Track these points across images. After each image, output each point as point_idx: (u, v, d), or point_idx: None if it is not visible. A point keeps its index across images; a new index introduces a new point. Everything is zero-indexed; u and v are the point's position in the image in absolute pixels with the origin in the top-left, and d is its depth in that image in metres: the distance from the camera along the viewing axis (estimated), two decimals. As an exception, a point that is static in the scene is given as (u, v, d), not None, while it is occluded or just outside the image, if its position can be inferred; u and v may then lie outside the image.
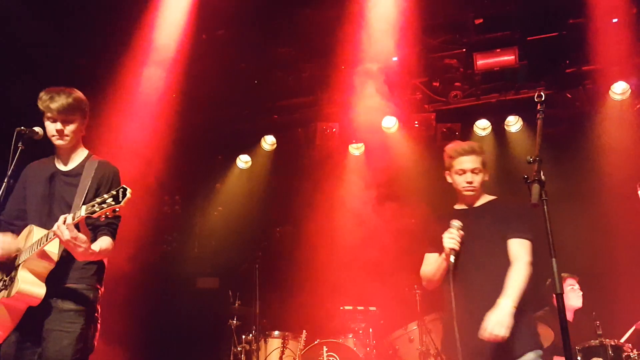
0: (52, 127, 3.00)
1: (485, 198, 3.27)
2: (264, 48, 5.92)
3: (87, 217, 2.72)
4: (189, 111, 6.15)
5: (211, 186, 7.12)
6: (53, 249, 2.86)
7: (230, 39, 5.77)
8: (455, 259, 2.99)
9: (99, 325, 2.99)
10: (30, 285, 2.81)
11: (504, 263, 3.02)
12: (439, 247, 3.13)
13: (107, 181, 3.02)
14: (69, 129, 3.00)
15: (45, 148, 3.13)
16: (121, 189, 2.65)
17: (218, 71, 5.98)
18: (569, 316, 4.85)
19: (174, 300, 6.14)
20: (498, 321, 2.81)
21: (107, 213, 2.65)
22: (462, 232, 3.05)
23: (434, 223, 3.30)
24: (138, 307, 5.78)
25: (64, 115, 2.97)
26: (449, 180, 3.31)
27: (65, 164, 3.10)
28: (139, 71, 5.58)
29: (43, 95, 2.99)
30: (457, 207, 3.32)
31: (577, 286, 4.91)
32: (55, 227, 2.71)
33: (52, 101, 2.95)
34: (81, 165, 3.07)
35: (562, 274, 4.93)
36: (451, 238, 3.03)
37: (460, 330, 2.89)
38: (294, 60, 6.07)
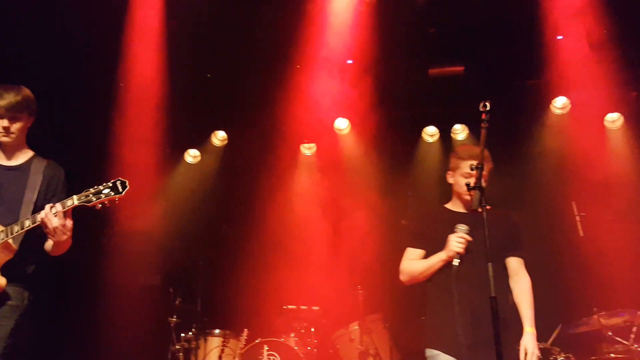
0: None
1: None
2: (218, 41, 5.86)
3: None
4: (138, 102, 6.01)
5: (156, 180, 6.98)
6: (11, 240, 2.87)
7: (183, 31, 5.68)
8: (459, 262, 3.08)
9: (34, 325, 2.97)
10: None
11: (503, 271, 3.26)
12: (425, 244, 3.27)
13: (58, 181, 3.06)
14: (15, 126, 2.99)
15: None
16: (119, 181, 2.80)
17: (168, 64, 5.87)
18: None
19: (114, 296, 5.98)
20: (533, 352, 3.09)
21: (106, 203, 2.78)
22: (471, 238, 3.11)
23: (420, 218, 3.37)
24: (76, 304, 5.62)
25: (12, 113, 2.96)
26: (450, 180, 3.36)
27: (7, 160, 3.07)
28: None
29: None
30: (453, 208, 3.37)
31: None
32: (42, 215, 2.77)
33: (1, 98, 2.93)
34: (28, 162, 3.07)
35: None
36: (459, 242, 3.10)
37: (461, 328, 3.04)
38: (249, 55, 6.02)
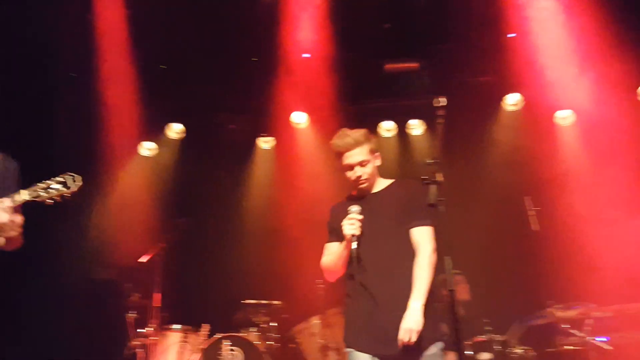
0: None
1: (382, 183, 3.23)
2: (175, 30, 5.77)
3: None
4: (94, 92, 5.87)
5: (112, 172, 6.83)
6: None
7: (138, 19, 5.57)
8: (357, 245, 2.94)
9: None
10: None
11: (407, 247, 3.02)
12: (339, 236, 3.08)
13: (12, 175, 2.98)
14: None
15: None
16: (70, 175, 2.70)
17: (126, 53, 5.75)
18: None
19: (67, 291, 5.84)
20: (411, 328, 2.83)
21: (55, 198, 2.67)
22: (362, 217, 2.99)
23: (331, 213, 3.25)
24: (28, 299, 5.47)
25: None
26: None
27: None
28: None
29: None
30: (355, 194, 3.24)
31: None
32: None
33: None
34: None
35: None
36: (351, 224, 2.96)
37: (368, 320, 2.96)
38: (206, 47, 5.95)
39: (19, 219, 2.75)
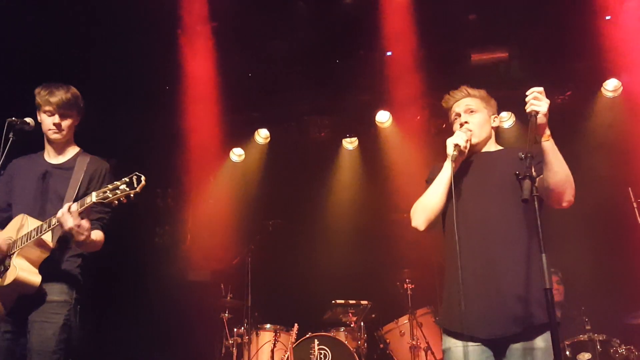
0: (49, 121, 3.06)
1: (497, 147, 2.89)
2: (257, 40, 5.90)
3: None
4: (182, 104, 6.13)
5: (205, 179, 7.11)
6: (49, 238, 2.88)
7: (223, 30, 5.74)
8: (457, 158, 2.63)
9: (83, 321, 2.99)
10: (27, 273, 2.83)
11: (520, 214, 2.59)
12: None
13: (100, 176, 3.07)
14: (66, 123, 3.07)
15: (35, 141, 3.15)
16: (135, 176, 2.70)
17: (210, 63, 5.95)
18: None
19: (165, 293, 6.13)
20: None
21: (122, 199, 2.69)
22: (472, 131, 2.72)
23: (432, 169, 2.92)
24: (128, 301, 5.78)
25: (63, 110, 3.04)
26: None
27: (54, 157, 3.13)
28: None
29: (41, 90, 3.05)
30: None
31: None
32: (59, 214, 2.74)
33: (52, 95, 3.01)
34: (73, 159, 3.11)
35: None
36: (457, 136, 2.68)
37: (466, 290, 2.49)
38: (288, 53, 6.05)
39: (85, 223, 2.76)
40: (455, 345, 2.57)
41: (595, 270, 5.35)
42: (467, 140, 2.70)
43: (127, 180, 2.71)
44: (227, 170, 7.16)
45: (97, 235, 2.96)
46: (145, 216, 6.32)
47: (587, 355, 4.35)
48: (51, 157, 3.13)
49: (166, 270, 6.40)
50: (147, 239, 6.66)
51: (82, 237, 2.77)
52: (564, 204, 2.59)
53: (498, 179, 2.68)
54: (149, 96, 5.88)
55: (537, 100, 2.42)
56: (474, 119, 2.81)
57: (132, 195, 2.69)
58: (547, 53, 5.71)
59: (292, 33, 5.79)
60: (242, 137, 7.05)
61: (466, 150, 2.71)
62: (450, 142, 2.68)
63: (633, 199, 4.41)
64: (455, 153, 2.64)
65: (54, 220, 2.79)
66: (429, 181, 2.83)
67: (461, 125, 2.78)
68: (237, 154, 7.14)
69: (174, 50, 5.62)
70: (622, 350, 4.32)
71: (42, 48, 5.03)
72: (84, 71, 4.93)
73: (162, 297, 6.05)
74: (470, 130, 2.76)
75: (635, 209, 4.35)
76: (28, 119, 3.07)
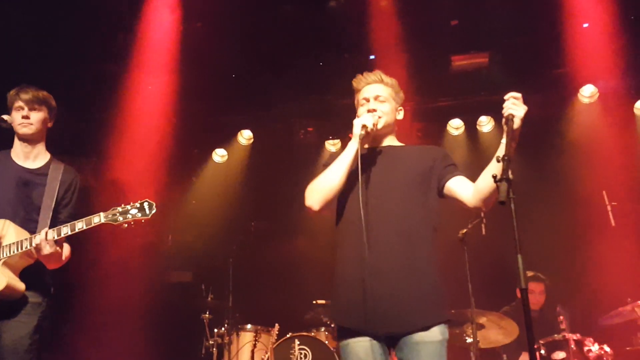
0: (18, 115, 3.04)
1: (399, 143, 2.84)
2: (242, 41, 5.92)
3: (53, 223, 2.89)
4: (164, 105, 6.13)
5: (186, 180, 7.11)
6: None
7: (208, 32, 5.75)
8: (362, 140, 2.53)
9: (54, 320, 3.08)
10: (15, 280, 2.88)
11: (425, 211, 2.58)
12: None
13: (74, 189, 3.11)
14: (35, 116, 3.04)
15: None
16: (146, 202, 2.82)
17: (194, 64, 5.96)
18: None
19: (146, 294, 6.12)
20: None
21: (132, 223, 2.80)
22: (380, 116, 2.66)
23: (332, 155, 2.83)
24: (109, 301, 5.76)
25: (32, 104, 3.03)
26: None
27: (26, 161, 3.10)
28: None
29: (12, 91, 3.07)
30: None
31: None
32: (37, 241, 2.79)
33: (22, 92, 3.03)
34: (46, 165, 3.10)
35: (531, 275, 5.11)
36: (364, 117, 2.60)
37: (363, 285, 2.41)
38: (273, 55, 6.08)
39: (59, 250, 2.86)
40: (354, 341, 2.51)
41: (569, 271, 5.47)
42: (374, 124, 2.62)
43: (138, 205, 2.81)
44: (209, 171, 7.17)
45: (66, 250, 3.03)
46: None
47: (562, 354, 4.42)
48: (21, 159, 3.08)
49: (147, 271, 6.38)
50: (128, 239, 6.63)
51: (53, 261, 2.89)
52: (490, 205, 2.57)
53: (402, 176, 2.63)
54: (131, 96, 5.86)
55: (515, 105, 2.44)
56: (383, 108, 2.73)
57: (143, 221, 2.80)
58: (526, 59, 5.83)
59: (278, 35, 5.82)
60: (225, 138, 7.07)
61: (372, 133, 2.62)
62: (357, 122, 2.59)
63: (607, 202, 4.52)
64: (362, 132, 2.55)
65: (25, 244, 2.83)
66: (325, 165, 2.72)
67: (369, 111, 2.71)
68: (219, 155, 7.15)
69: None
70: (595, 349, 4.40)
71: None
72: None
73: (143, 297, 6.03)
74: (380, 117, 2.69)
75: (609, 212, 4.46)
76: (5, 116, 3.06)
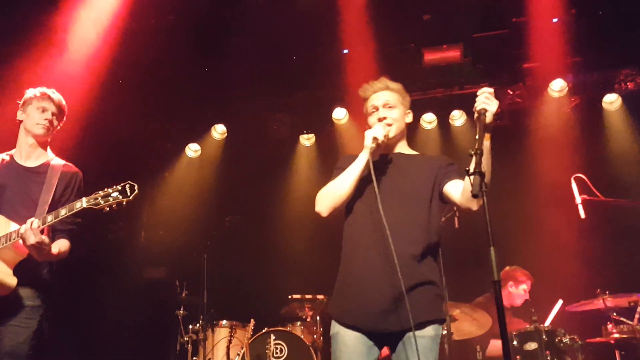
0: (39, 116, 3.07)
1: (410, 150, 2.92)
2: (214, 35, 5.87)
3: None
4: (137, 99, 6.04)
5: (159, 175, 7.03)
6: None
7: (180, 25, 5.68)
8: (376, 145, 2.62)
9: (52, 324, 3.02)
10: (4, 275, 2.83)
11: (429, 219, 2.69)
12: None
13: (75, 186, 3.09)
14: (56, 122, 3.12)
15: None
16: (128, 184, 2.79)
17: (167, 58, 5.88)
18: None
19: (120, 290, 6.05)
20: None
21: (113, 206, 2.76)
22: (390, 128, 2.73)
23: (342, 158, 2.89)
24: (82, 298, 5.68)
25: (58, 110, 3.10)
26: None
27: (27, 160, 3.11)
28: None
29: (37, 90, 3.11)
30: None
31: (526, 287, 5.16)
32: (22, 230, 2.77)
33: (50, 97, 3.08)
34: (46, 164, 3.10)
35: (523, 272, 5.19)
36: (376, 129, 2.66)
37: (365, 284, 2.55)
38: (246, 49, 6.03)
39: (46, 239, 2.81)
40: (345, 331, 2.60)
41: (540, 262, 5.57)
42: (385, 135, 2.70)
43: (120, 188, 2.78)
44: (182, 165, 7.10)
45: (63, 245, 2.99)
46: (98, 211, 6.19)
47: (534, 345, 4.51)
48: (22, 159, 3.11)
49: (120, 267, 6.30)
50: (100, 235, 6.53)
51: (43, 252, 2.81)
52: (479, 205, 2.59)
53: (410, 184, 2.74)
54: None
55: (488, 99, 2.48)
56: (392, 114, 2.81)
57: (124, 203, 2.77)
58: (497, 53, 5.89)
59: (250, 29, 5.79)
60: (199, 132, 7.01)
61: (383, 144, 2.72)
62: (369, 135, 2.67)
63: (577, 195, 4.61)
64: (373, 145, 2.64)
65: (14, 235, 2.82)
66: (337, 168, 2.80)
67: (380, 119, 2.78)
68: (193, 150, 7.09)
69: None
70: (566, 339, 4.49)
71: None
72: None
73: (116, 294, 5.96)
74: (390, 125, 2.78)
75: (579, 205, 4.55)
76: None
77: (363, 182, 2.69)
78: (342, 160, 2.86)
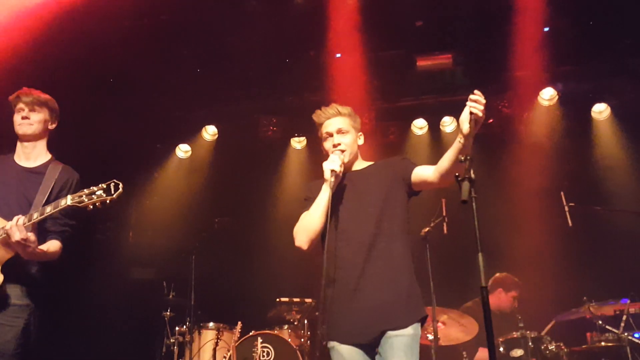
0: (18, 117, 3.09)
1: (364, 164, 3.08)
2: (207, 37, 5.86)
3: (43, 220, 2.85)
4: (128, 97, 6.01)
5: (149, 175, 6.99)
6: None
7: (173, 25, 5.67)
8: (335, 186, 2.78)
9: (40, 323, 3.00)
10: None
11: (394, 226, 2.86)
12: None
13: (70, 187, 3.09)
14: (35, 117, 3.10)
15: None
16: (112, 183, 2.79)
17: (159, 57, 5.86)
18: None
19: (107, 291, 6.00)
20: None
21: (97, 204, 2.76)
22: (344, 156, 2.90)
23: (308, 187, 3.08)
24: (68, 299, 5.63)
25: (31, 106, 3.09)
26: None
27: (27, 161, 3.13)
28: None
29: (14, 94, 3.13)
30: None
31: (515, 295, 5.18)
32: (8, 226, 2.76)
33: (23, 94, 3.10)
34: (44, 165, 3.12)
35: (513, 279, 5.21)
36: (332, 161, 2.83)
37: (338, 300, 2.76)
38: (238, 51, 6.03)
39: (32, 236, 2.80)
40: (339, 346, 2.80)
41: (527, 270, 5.59)
42: (341, 165, 2.86)
43: (104, 186, 2.79)
44: (172, 166, 7.07)
45: (53, 246, 2.98)
46: (85, 210, 6.15)
47: (520, 352, 4.53)
48: (22, 159, 3.14)
49: (108, 268, 6.26)
50: (88, 235, 6.48)
51: (28, 250, 2.80)
52: (448, 180, 2.75)
53: (370, 195, 2.91)
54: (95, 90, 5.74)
55: (478, 104, 2.55)
56: (345, 140, 2.97)
57: (108, 201, 2.77)
58: (488, 61, 5.93)
59: (243, 31, 5.78)
60: (189, 133, 6.98)
61: (341, 173, 2.88)
62: (327, 168, 2.84)
63: (565, 203, 4.65)
64: (332, 179, 2.80)
65: (0, 232, 2.82)
66: (307, 199, 2.99)
67: (334, 146, 2.94)
68: (183, 150, 7.07)
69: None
70: (552, 347, 4.52)
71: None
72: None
73: (103, 295, 5.91)
74: (343, 151, 2.94)
75: (567, 213, 4.58)
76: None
77: (332, 211, 2.85)
78: (309, 190, 3.03)
